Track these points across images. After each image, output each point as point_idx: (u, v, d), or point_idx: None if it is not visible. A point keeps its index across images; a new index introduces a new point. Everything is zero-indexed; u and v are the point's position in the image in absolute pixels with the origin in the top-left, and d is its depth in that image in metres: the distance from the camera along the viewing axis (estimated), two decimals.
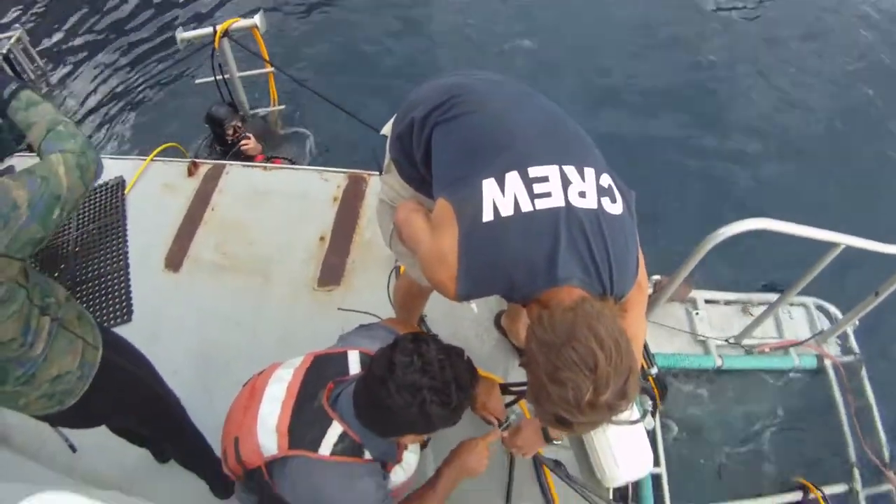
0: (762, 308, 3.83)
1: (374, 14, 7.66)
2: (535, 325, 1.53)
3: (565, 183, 1.57)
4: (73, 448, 2.71)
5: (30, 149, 1.98)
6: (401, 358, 1.69)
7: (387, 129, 2.17)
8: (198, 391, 3.12)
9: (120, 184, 4.31)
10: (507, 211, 1.55)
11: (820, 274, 3.17)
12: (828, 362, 3.96)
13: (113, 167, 4.43)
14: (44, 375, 1.95)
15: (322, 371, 1.97)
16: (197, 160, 4.38)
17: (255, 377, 2.09)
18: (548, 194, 1.55)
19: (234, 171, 4.27)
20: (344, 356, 2.03)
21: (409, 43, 7.27)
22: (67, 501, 1.29)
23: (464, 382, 1.74)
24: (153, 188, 4.28)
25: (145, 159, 4.43)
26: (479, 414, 2.44)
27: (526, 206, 1.54)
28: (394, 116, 2.11)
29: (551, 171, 1.58)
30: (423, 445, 2.26)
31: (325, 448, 1.80)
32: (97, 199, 4.24)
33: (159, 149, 4.58)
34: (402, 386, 1.66)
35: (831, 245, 3.02)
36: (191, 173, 4.28)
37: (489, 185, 1.57)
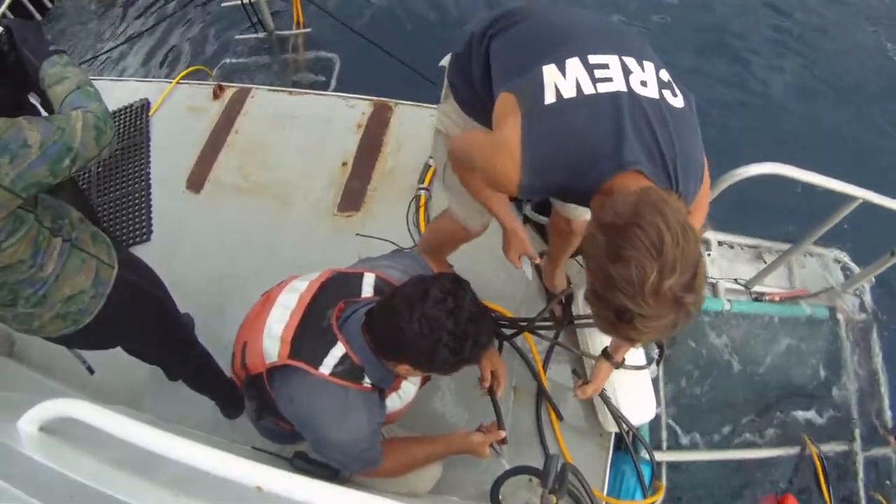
0: (776, 256, 3.73)
1: None
2: (596, 212, 1.49)
3: (626, 71, 1.54)
4: (90, 370, 2.73)
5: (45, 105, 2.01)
6: (436, 292, 1.66)
7: (445, 61, 2.15)
8: (212, 311, 3.19)
9: (144, 106, 4.28)
10: (569, 93, 1.52)
11: (841, 230, 3.10)
12: (840, 316, 3.87)
13: (138, 89, 4.41)
14: (56, 296, 1.96)
15: (336, 288, 1.95)
16: (223, 83, 4.33)
17: (272, 288, 2.08)
18: (609, 79, 1.53)
19: (260, 95, 4.22)
20: (359, 277, 2.01)
21: None
22: (79, 408, 1.28)
23: (481, 341, 1.72)
24: (178, 110, 4.26)
25: (171, 82, 4.40)
26: (480, 367, 2.39)
27: (588, 89, 1.51)
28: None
29: (611, 59, 1.56)
30: (424, 381, 2.25)
31: (326, 367, 1.79)
32: (122, 121, 4.22)
33: (185, 71, 4.54)
34: (425, 317, 1.64)
35: (849, 198, 2.92)
36: (216, 96, 4.24)
37: (550, 70, 1.55)
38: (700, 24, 6.34)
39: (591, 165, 1.52)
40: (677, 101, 1.58)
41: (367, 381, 1.84)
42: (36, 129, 1.66)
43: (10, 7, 6.68)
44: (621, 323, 1.38)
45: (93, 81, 1.92)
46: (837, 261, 4.03)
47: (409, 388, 2.11)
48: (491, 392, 2.40)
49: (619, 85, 1.52)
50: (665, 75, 1.61)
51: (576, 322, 2.72)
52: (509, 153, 1.57)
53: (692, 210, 1.64)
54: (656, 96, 1.54)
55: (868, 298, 3.94)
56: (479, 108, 1.97)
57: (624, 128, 1.49)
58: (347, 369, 1.80)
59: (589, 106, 1.51)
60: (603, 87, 1.51)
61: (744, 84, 5.88)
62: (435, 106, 3.81)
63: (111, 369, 3.09)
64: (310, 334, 1.83)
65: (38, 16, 7.34)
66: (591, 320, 2.30)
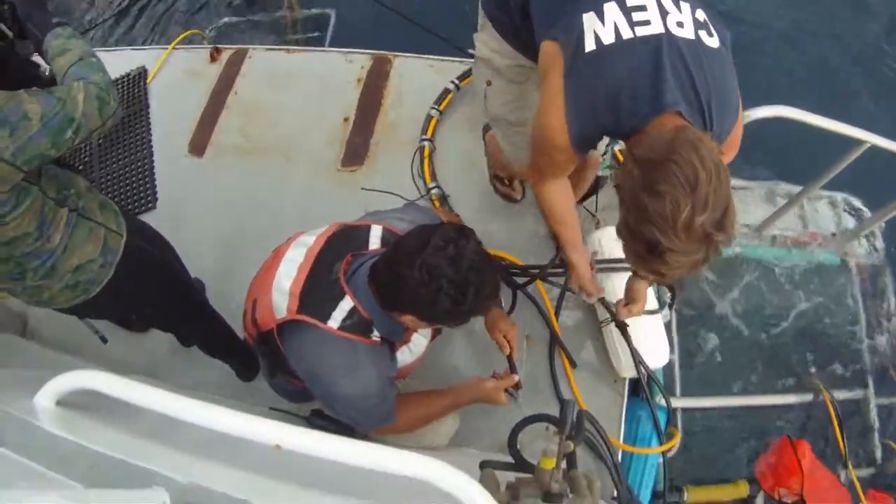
0: (787, 200, 3.68)
1: None
2: (633, 147, 1.52)
3: (663, 12, 1.57)
4: (103, 339, 2.74)
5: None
6: (437, 240, 1.64)
7: None
8: (221, 274, 3.20)
9: (142, 73, 4.24)
10: (608, 39, 1.57)
11: (852, 175, 3.05)
12: (851, 261, 3.84)
13: (135, 57, 4.36)
14: (65, 266, 1.97)
15: (343, 241, 1.94)
16: (219, 46, 4.27)
17: (283, 243, 2.08)
18: (647, 22, 1.56)
19: (257, 55, 4.16)
20: (367, 230, 2.00)
21: None
22: (94, 379, 1.29)
23: (484, 292, 1.69)
24: (176, 76, 4.21)
25: (167, 48, 4.34)
26: (492, 336, 2.39)
27: (626, 34, 1.56)
28: None
29: (648, 0, 1.58)
30: (435, 334, 2.24)
31: (334, 321, 1.78)
32: (120, 91, 4.17)
33: (181, 36, 4.47)
34: (425, 265, 1.62)
35: (857, 142, 2.87)
36: (213, 59, 4.19)
37: (589, 18, 1.59)
38: None
39: (631, 109, 1.57)
40: (713, 42, 1.61)
41: (375, 335, 1.84)
42: (36, 101, 1.66)
43: None
44: (651, 256, 1.43)
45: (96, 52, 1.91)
46: (848, 205, 3.99)
47: (419, 341, 2.11)
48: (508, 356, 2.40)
49: (656, 27, 1.55)
50: (701, 15, 1.62)
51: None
52: (556, 107, 1.66)
53: (724, 149, 1.68)
54: (692, 37, 1.57)
55: (880, 243, 3.92)
56: (518, 36, 2.04)
57: (662, 70, 1.53)
58: (356, 323, 1.80)
59: (627, 50, 1.55)
60: (641, 31, 1.55)
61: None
62: (433, 57, 3.81)
63: (124, 339, 3.15)
64: (318, 288, 1.82)
65: None
66: (604, 265, 2.33)
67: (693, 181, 1.33)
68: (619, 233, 1.54)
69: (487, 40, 2.19)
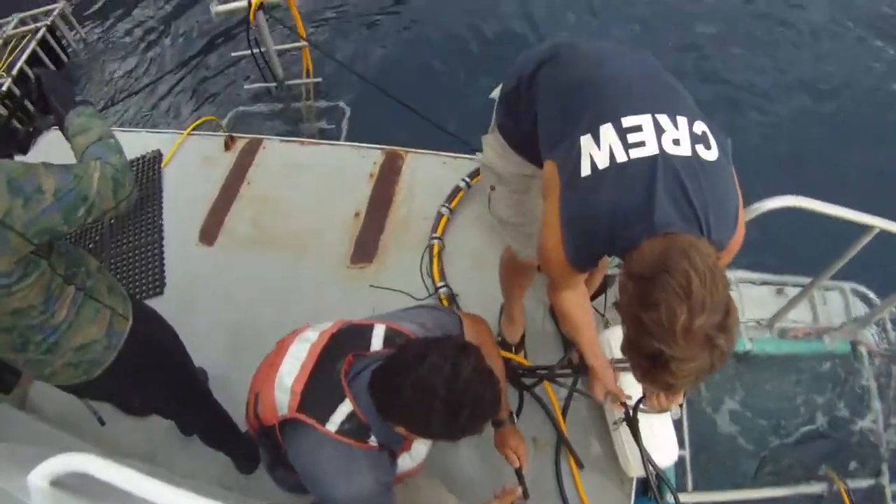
0: (797, 291, 3.69)
1: None
2: (627, 264, 1.53)
3: (659, 131, 1.58)
4: (101, 421, 2.71)
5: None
6: (434, 358, 1.63)
7: (496, 93, 2.23)
8: (227, 365, 3.16)
9: (157, 157, 4.32)
10: (603, 164, 1.59)
11: (860, 262, 3.04)
12: (863, 349, 3.82)
13: (150, 141, 4.45)
14: (68, 344, 1.95)
15: (346, 339, 1.94)
16: (234, 134, 4.36)
17: (286, 337, 2.07)
18: (642, 143, 1.57)
19: (271, 146, 4.25)
20: (369, 329, 2.00)
21: (455, 23, 7.13)
22: (90, 463, 1.27)
23: (479, 413, 1.68)
24: (190, 162, 4.29)
25: (182, 133, 4.44)
26: (501, 451, 2.36)
27: (621, 157, 1.57)
28: (501, 83, 2.17)
29: (644, 120, 1.60)
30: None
31: (333, 424, 1.77)
32: (134, 173, 4.19)
33: (196, 122, 4.59)
34: (420, 382, 1.61)
35: (866, 228, 2.89)
36: (228, 147, 4.27)
37: (586, 141, 1.62)
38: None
39: (625, 231, 1.56)
40: (710, 154, 1.61)
41: (373, 440, 1.82)
42: (52, 175, 1.66)
43: (27, 61, 6.79)
44: (656, 368, 1.41)
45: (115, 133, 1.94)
46: (857, 293, 3.99)
47: (420, 449, 2.09)
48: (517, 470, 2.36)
49: (651, 148, 1.56)
50: (699, 127, 1.63)
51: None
52: (553, 229, 1.68)
53: (723, 254, 1.70)
54: (688, 154, 1.58)
55: (890, 329, 3.91)
56: (526, 146, 2.05)
57: (655, 191, 1.53)
58: (354, 428, 1.78)
59: (621, 174, 1.56)
60: (635, 153, 1.56)
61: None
62: (446, 154, 3.89)
63: (125, 423, 3.10)
64: (319, 387, 1.82)
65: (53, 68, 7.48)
66: (616, 364, 2.31)
67: (686, 287, 1.33)
68: (623, 350, 1.54)
69: (494, 145, 2.22)
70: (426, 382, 1.60)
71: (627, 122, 1.59)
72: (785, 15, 6.67)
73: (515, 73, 1.99)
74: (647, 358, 1.41)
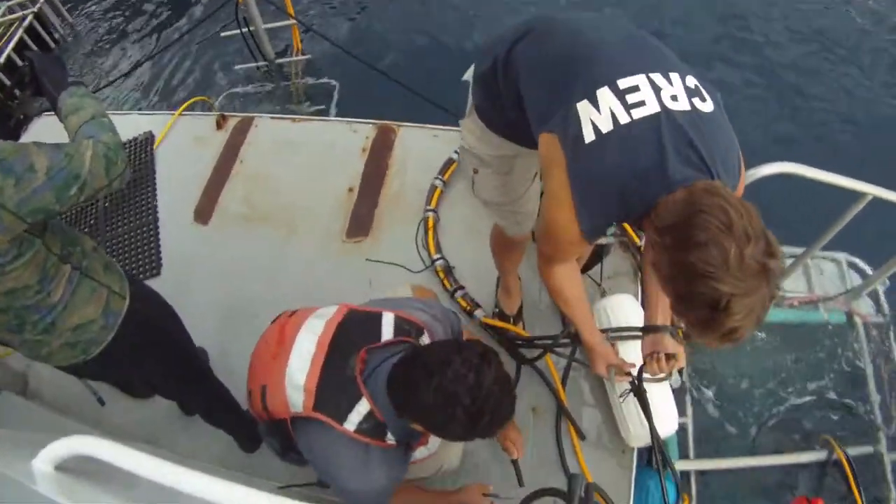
0: (791, 262, 3.70)
1: None
2: (653, 222, 1.50)
3: (656, 89, 1.56)
4: (101, 401, 2.73)
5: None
6: (458, 366, 1.62)
7: (468, 75, 2.17)
8: (225, 343, 3.18)
9: (149, 138, 4.30)
10: (606, 127, 1.55)
11: (854, 231, 3.04)
12: (858, 319, 3.84)
13: (142, 122, 4.43)
14: (65, 324, 1.95)
15: (355, 329, 1.92)
16: (226, 114, 4.34)
17: (286, 319, 2.05)
18: (642, 103, 1.55)
19: (263, 124, 4.24)
20: (378, 318, 1.96)
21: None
22: (94, 445, 1.27)
23: (498, 418, 1.68)
24: (182, 142, 4.27)
25: (174, 113, 4.42)
26: (500, 442, 2.34)
27: (623, 118, 1.54)
28: (473, 64, 2.12)
29: (640, 79, 1.58)
30: None
31: (351, 424, 1.76)
32: (127, 155, 4.20)
33: (188, 103, 4.57)
34: (442, 389, 1.60)
35: (859, 195, 2.88)
36: (220, 126, 4.26)
37: (584, 107, 1.58)
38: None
39: (642, 192, 1.54)
40: (706, 106, 1.60)
41: (390, 437, 1.81)
42: (44, 154, 1.65)
43: (15, 49, 6.76)
44: (717, 314, 1.36)
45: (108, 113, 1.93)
46: (852, 264, 4.01)
47: (435, 439, 2.08)
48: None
49: (652, 106, 1.54)
50: (691, 81, 1.63)
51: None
52: (564, 204, 1.64)
53: None
54: (688, 108, 1.57)
55: (883, 299, 3.91)
56: (508, 127, 2.03)
57: (665, 148, 1.52)
58: (372, 427, 1.78)
59: (628, 135, 1.54)
60: (637, 112, 1.54)
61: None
62: (437, 126, 3.88)
63: (125, 404, 3.11)
64: (333, 384, 1.80)
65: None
66: (614, 333, 2.30)
67: (727, 220, 1.32)
68: (675, 310, 1.50)
69: (472, 128, 2.18)
70: (449, 391, 1.59)
71: (623, 83, 1.57)
72: None
73: (489, 54, 1.94)
74: (707, 306, 1.36)
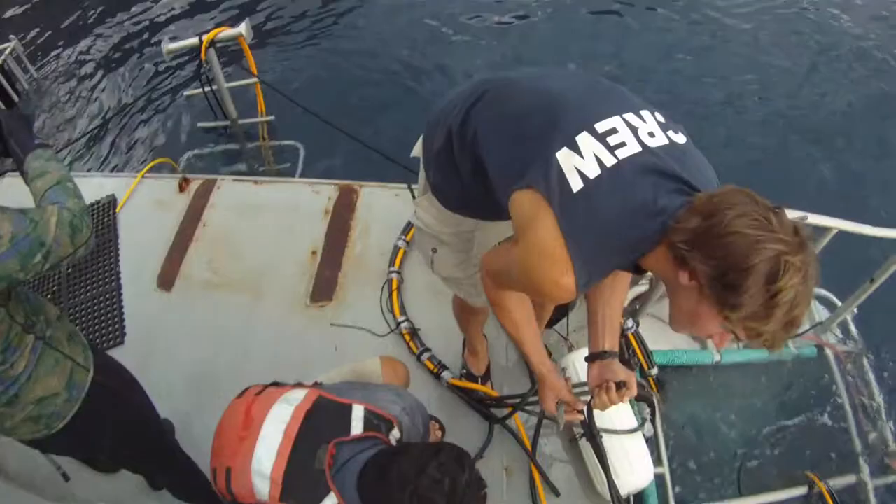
0: None
1: (362, 28, 7.69)
2: (672, 235, 1.42)
3: (632, 129, 1.52)
4: (65, 477, 2.68)
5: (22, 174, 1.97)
6: (433, 472, 1.64)
7: (417, 150, 2.13)
8: (191, 412, 3.13)
9: (111, 202, 4.27)
10: (593, 172, 1.47)
11: (822, 266, 3.09)
12: (828, 352, 3.89)
13: (104, 185, 4.40)
14: (28, 396, 1.89)
15: (323, 419, 1.91)
16: (188, 176, 4.34)
17: (252, 398, 2.03)
18: (623, 144, 1.49)
19: (226, 186, 4.24)
20: (348, 410, 1.95)
21: (399, 55, 7.27)
22: None
23: None
24: (145, 205, 4.25)
25: (136, 176, 4.40)
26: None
27: (609, 161, 1.47)
28: (421, 137, 2.08)
29: (616, 121, 1.53)
30: None
31: None
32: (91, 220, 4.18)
33: (150, 165, 4.55)
34: (417, 496, 1.62)
35: (824, 229, 2.95)
36: (182, 189, 4.25)
37: (565, 155, 1.50)
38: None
39: (640, 233, 1.48)
40: (681, 138, 1.58)
41: None
42: (8, 220, 1.60)
43: None
44: (775, 289, 1.28)
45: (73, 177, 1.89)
46: (819, 297, 4.04)
47: None
48: None
49: (633, 146, 1.50)
50: (660, 116, 1.61)
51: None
52: (555, 258, 1.51)
53: None
54: (666, 141, 1.54)
55: (853, 328, 3.97)
56: (466, 201, 1.99)
57: (656, 183, 1.47)
58: None
59: (617, 176, 1.48)
60: (622, 153, 1.49)
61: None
62: (399, 185, 3.91)
63: (91, 478, 3.03)
64: (301, 475, 1.80)
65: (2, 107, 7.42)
66: (582, 387, 2.27)
67: (747, 198, 1.31)
68: (725, 314, 1.37)
69: (429, 208, 2.14)
70: (425, 497, 1.61)
71: (601, 126, 1.52)
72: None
73: (441, 126, 1.89)
74: (764, 281, 1.28)
